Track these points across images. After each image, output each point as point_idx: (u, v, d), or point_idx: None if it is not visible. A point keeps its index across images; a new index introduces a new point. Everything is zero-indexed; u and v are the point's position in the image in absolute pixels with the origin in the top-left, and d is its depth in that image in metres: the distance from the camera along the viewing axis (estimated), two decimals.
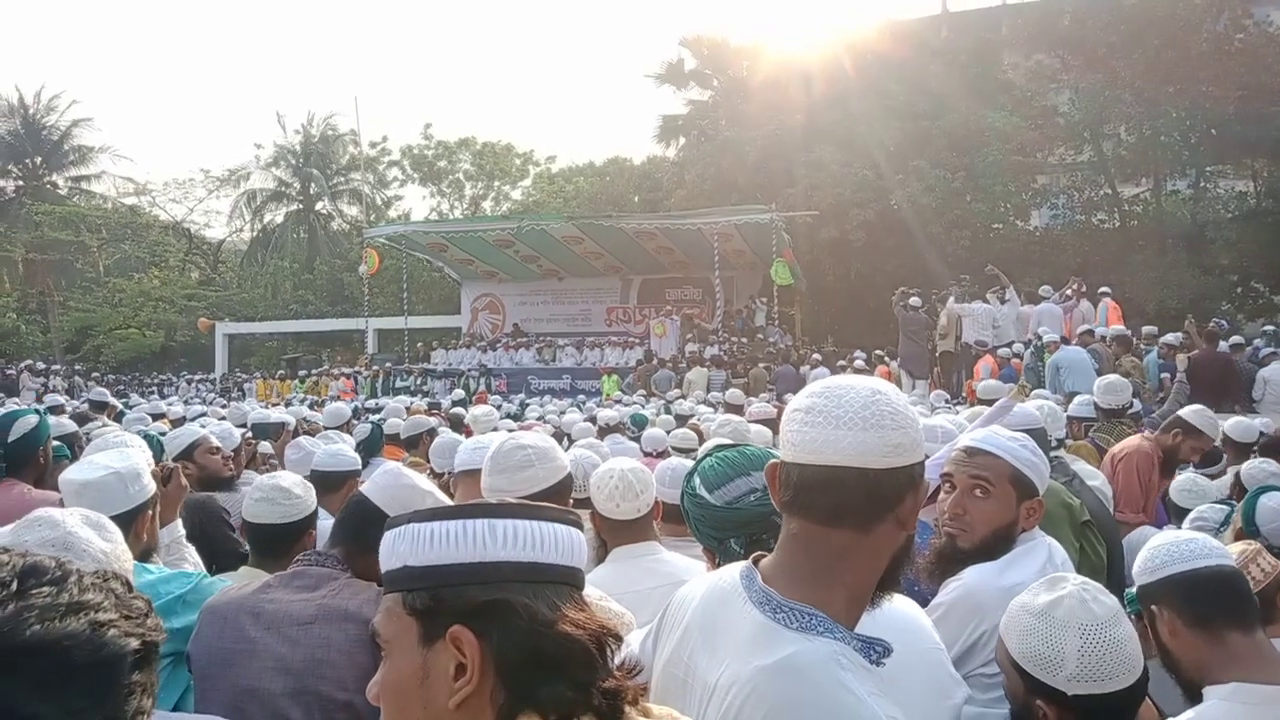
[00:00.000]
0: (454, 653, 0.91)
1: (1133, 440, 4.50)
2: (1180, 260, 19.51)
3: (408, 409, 8.83)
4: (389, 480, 1.95)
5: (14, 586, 0.64)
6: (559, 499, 2.06)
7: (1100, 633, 1.44)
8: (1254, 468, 3.87)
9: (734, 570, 1.22)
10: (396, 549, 0.98)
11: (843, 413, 1.09)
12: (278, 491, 2.42)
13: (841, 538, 1.10)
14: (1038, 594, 1.52)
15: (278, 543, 2.41)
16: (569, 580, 0.98)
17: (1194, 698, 1.68)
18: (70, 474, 2.09)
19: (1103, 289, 13.19)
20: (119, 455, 2.15)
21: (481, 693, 0.91)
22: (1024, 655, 1.48)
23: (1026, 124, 21.50)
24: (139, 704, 0.65)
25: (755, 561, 1.19)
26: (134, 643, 0.66)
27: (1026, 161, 21.79)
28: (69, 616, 0.63)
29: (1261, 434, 5.47)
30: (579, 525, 1.04)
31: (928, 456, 1.20)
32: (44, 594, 0.64)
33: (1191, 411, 4.45)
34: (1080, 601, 1.47)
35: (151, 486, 2.14)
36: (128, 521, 2.02)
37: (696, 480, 1.69)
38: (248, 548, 3.28)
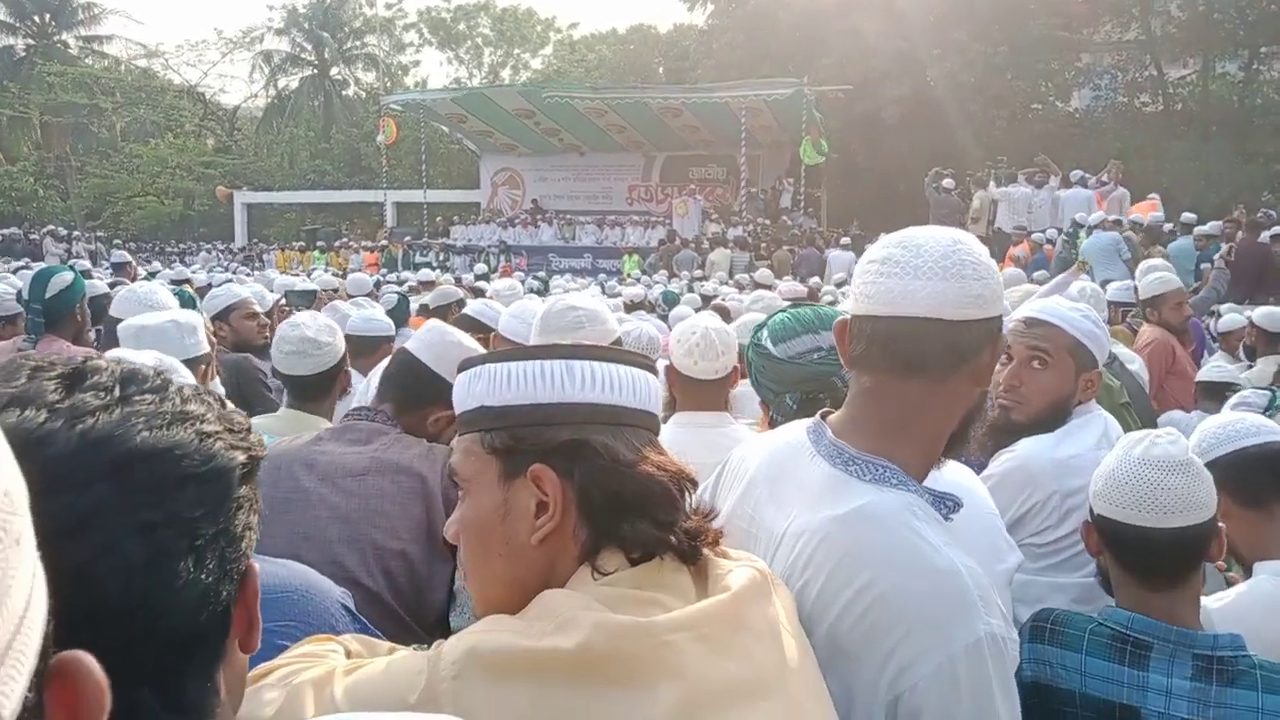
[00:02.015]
0: (535, 490, 0.91)
1: (1144, 332, 4.53)
2: (1223, 148, 18.78)
3: (427, 283, 8.83)
4: (435, 337, 1.95)
5: (116, 392, 0.60)
6: None
7: (1138, 465, 1.41)
8: None
9: (799, 427, 1.21)
10: (473, 389, 0.96)
11: (921, 263, 1.05)
12: (306, 343, 2.43)
13: (916, 390, 1.08)
14: None
15: (313, 390, 2.46)
16: (645, 424, 0.97)
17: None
18: (129, 320, 2.10)
19: (1151, 196, 12.68)
20: (177, 310, 2.16)
21: (564, 530, 0.91)
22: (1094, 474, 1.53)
23: None
24: (247, 519, 0.64)
25: (823, 418, 1.18)
26: (240, 456, 0.63)
27: (1072, 38, 20.70)
28: (175, 425, 0.60)
29: None
30: (654, 371, 1.02)
31: None
32: (147, 401, 0.61)
33: (1143, 284, 4.66)
34: (1151, 439, 1.45)
35: (206, 344, 2.15)
36: None
37: (764, 332, 1.67)
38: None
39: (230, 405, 0.68)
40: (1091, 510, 1.49)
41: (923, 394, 1.08)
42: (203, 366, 2.13)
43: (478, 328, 3.27)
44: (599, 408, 0.93)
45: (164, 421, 0.60)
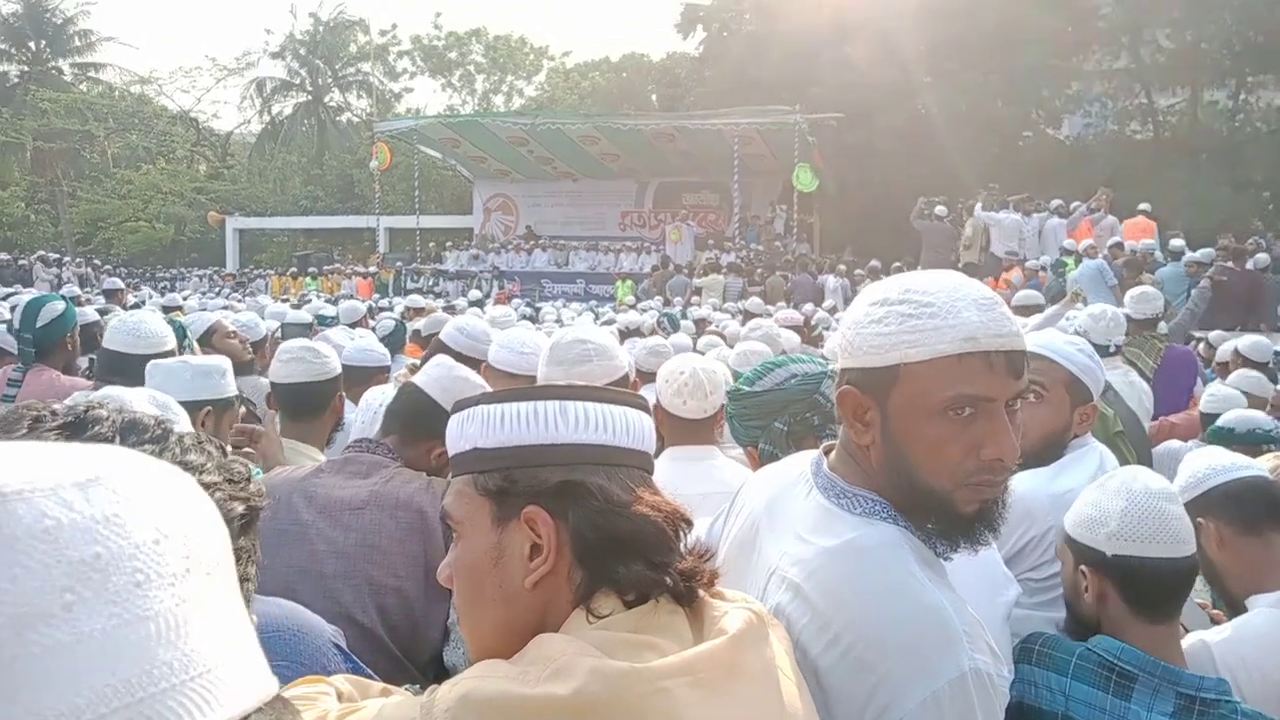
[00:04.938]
0: (528, 533, 0.90)
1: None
2: (1213, 176, 18.98)
3: (418, 309, 8.83)
4: (442, 372, 1.95)
5: (116, 442, 0.60)
6: None
7: (1146, 498, 1.46)
8: None
9: (803, 459, 1.23)
10: (466, 431, 0.95)
11: None
12: (306, 350, 2.47)
13: (846, 432, 1.13)
14: (1101, 479, 1.58)
15: (310, 402, 2.45)
16: (639, 464, 0.96)
17: (1238, 611, 1.69)
18: (156, 363, 2.17)
19: (1141, 205, 12.79)
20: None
21: (558, 573, 0.90)
22: (1074, 523, 1.54)
23: (1065, 24, 20.59)
24: (245, 570, 0.62)
25: (826, 452, 1.19)
26: (240, 507, 0.62)
27: (1062, 66, 20.97)
28: None
29: (1276, 352, 5.44)
30: (648, 410, 1.02)
31: None
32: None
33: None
34: (1133, 475, 1.51)
35: (224, 390, 2.15)
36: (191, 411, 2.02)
37: (740, 385, 1.77)
38: None
39: (230, 453, 0.67)
40: (1097, 554, 1.47)
41: (844, 434, 1.13)
42: (207, 409, 2.10)
43: (454, 357, 3.26)
44: (592, 448, 0.92)
45: None
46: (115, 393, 1.34)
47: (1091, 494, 1.53)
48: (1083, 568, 1.50)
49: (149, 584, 0.37)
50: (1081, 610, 1.52)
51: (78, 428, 0.59)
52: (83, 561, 0.35)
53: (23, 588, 0.34)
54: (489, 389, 1.95)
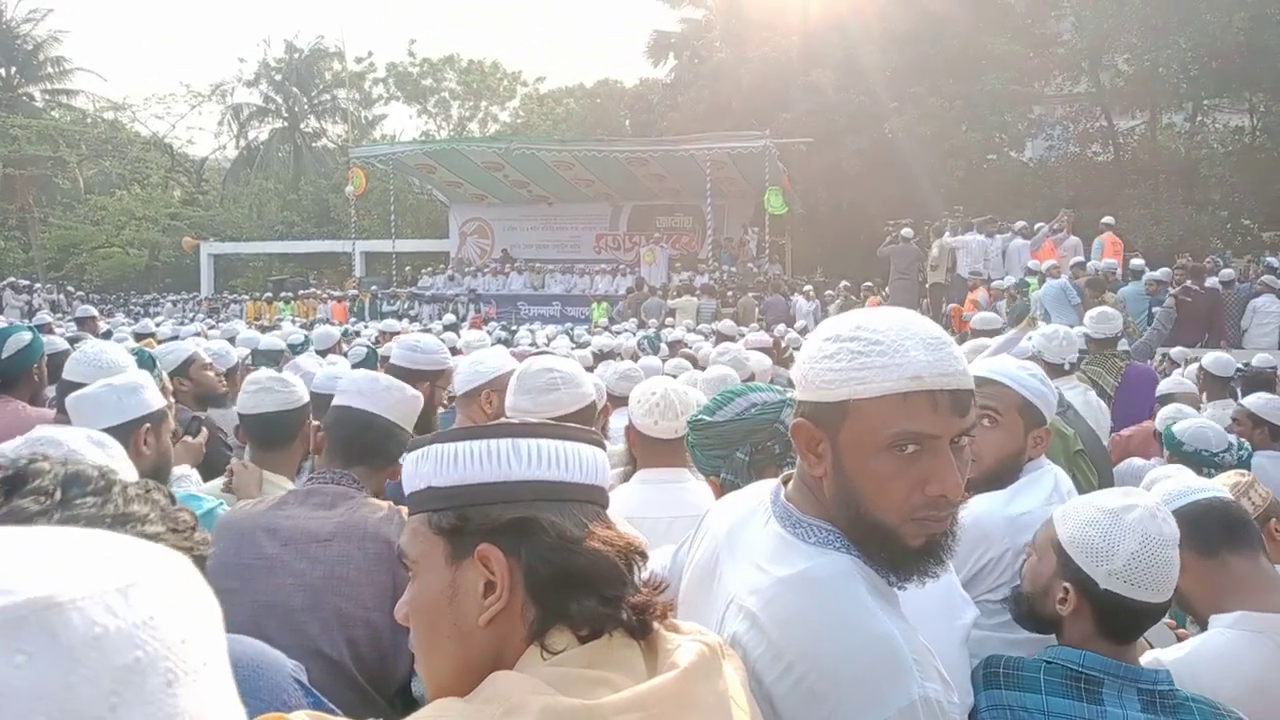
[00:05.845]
0: (482, 570, 0.91)
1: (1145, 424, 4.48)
2: (1173, 196, 19.38)
3: (389, 333, 8.82)
4: (398, 396, 1.95)
5: (57, 496, 0.60)
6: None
7: (1158, 547, 1.47)
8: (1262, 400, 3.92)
9: (764, 487, 1.25)
10: (420, 470, 0.97)
11: None
12: (274, 380, 2.44)
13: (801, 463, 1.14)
14: (1114, 498, 1.55)
15: (279, 432, 2.42)
16: (593, 499, 0.98)
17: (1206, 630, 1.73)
18: (71, 396, 2.10)
19: (1105, 219, 13.04)
20: (117, 373, 2.15)
21: (512, 610, 0.91)
22: (1075, 540, 1.51)
23: (1026, 50, 21.05)
24: None
25: (785, 481, 1.21)
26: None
27: (1024, 91, 21.39)
28: (116, 528, 0.60)
29: (1237, 369, 5.56)
30: (602, 445, 1.04)
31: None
32: (88, 504, 0.60)
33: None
34: (1151, 516, 1.50)
35: (152, 402, 2.11)
36: (124, 435, 1.98)
37: (700, 415, 1.77)
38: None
39: (177, 501, 0.68)
40: (1089, 581, 1.48)
41: (800, 464, 1.14)
42: (145, 426, 2.07)
43: (410, 376, 3.21)
44: (545, 485, 0.94)
45: (105, 526, 0.60)
46: (51, 434, 1.29)
47: (1103, 520, 1.50)
48: (1067, 584, 1.51)
49: (177, 683, 0.40)
50: (1044, 610, 1.55)
51: (18, 481, 0.60)
52: (125, 666, 0.38)
53: (77, 695, 0.36)
54: (406, 388, 1.96)
